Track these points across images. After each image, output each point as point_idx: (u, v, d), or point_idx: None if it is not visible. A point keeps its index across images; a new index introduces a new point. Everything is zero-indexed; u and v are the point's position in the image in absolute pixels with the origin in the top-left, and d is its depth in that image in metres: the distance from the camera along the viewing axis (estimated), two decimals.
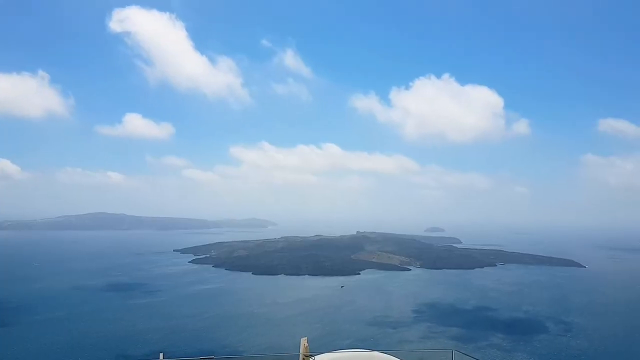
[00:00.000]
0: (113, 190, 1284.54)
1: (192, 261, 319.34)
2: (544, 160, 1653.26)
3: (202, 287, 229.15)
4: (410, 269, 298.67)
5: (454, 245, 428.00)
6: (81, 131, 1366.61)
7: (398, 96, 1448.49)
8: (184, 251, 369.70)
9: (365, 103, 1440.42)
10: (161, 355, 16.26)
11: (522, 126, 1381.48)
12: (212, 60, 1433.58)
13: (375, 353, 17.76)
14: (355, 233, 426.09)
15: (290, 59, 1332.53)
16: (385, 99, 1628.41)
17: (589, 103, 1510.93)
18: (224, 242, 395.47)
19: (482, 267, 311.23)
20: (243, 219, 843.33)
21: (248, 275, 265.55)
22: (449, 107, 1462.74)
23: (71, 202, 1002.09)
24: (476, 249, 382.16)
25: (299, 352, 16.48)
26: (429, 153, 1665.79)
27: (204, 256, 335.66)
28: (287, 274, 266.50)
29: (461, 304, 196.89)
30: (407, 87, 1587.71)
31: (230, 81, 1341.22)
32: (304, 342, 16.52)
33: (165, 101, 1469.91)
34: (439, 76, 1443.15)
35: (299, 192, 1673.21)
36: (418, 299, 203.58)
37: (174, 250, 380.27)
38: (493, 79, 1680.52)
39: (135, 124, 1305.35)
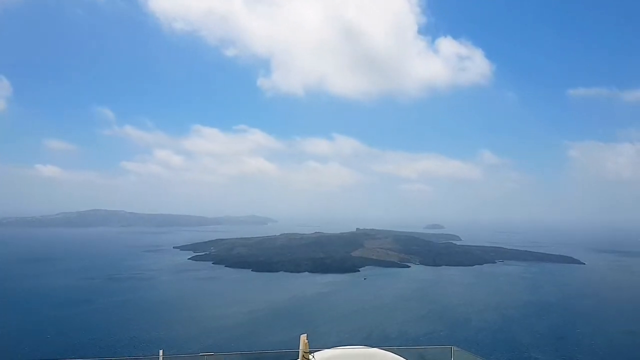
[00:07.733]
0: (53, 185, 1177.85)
1: (192, 258, 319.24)
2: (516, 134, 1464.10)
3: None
4: (409, 266, 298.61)
5: (454, 242, 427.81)
6: None
7: None
8: (183, 248, 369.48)
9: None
10: (161, 352, 16.30)
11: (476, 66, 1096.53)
12: None
13: (375, 350, 17.77)
14: (354, 230, 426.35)
15: None
16: None
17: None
18: (223, 239, 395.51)
19: (482, 264, 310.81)
20: (243, 215, 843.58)
21: (247, 272, 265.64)
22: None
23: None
24: (476, 246, 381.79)
25: (299, 348, 16.48)
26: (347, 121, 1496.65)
27: (203, 253, 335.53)
28: (287, 271, 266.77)
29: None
30: None
31: None
32: (303, 338, 16.49)
33: None
34: None
35: (262, 184, 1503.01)
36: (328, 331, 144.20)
37: (173, 247, 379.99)
38: None
39: None
